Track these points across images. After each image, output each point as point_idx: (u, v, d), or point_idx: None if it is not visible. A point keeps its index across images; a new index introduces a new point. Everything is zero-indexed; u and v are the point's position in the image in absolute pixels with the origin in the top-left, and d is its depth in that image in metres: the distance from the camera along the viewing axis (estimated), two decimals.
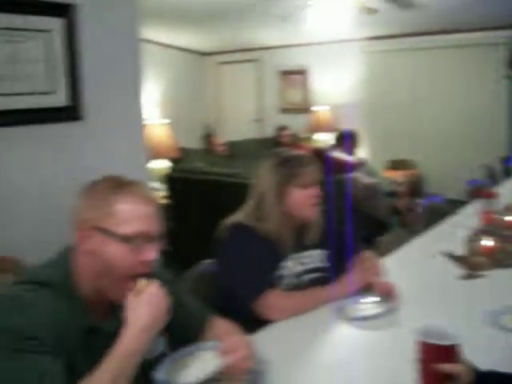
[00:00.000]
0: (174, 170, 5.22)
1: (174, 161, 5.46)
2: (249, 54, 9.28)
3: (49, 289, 1.40)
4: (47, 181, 2.64)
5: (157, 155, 5.10)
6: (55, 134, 2.68)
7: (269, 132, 8.69)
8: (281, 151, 2.35)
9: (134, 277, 1.43)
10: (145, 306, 1.40)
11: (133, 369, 1.36)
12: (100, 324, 1.48)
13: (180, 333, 1.65)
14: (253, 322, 1.91)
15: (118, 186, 1.48)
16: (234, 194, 4.55)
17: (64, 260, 1.49)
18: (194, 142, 7.63)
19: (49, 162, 2.65)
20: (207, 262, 2.39)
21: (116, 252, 1.42)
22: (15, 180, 2.54)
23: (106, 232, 1.42)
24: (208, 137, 7.79)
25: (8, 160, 2.52)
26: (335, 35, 7.70)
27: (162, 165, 5.29)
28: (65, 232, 2.62)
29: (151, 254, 1.44)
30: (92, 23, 2.78)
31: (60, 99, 2.68)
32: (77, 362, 1.37)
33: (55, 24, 2.66)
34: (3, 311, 1.36)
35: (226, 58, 9.58)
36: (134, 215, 1.44)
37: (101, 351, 1.36)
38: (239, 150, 7.30)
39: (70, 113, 2.71)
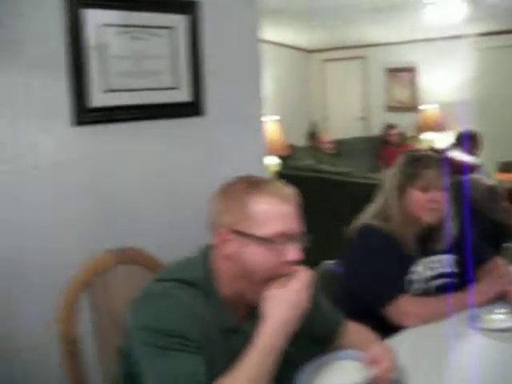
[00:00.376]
0: (284, 167, 5.21)
1: (283, 158, 5.45)
2: (355, 51, 9.14)
3: (192, 288, 1.40)
4: (169, 174, 2.68)
5: (267, 152, 5.09)
6: (178, 129, 2.71)
7: (374, 130, 8.53)
8: (413, 150, 2.26)
9: (277, 278, 1.39)
10: (284, 302, 1.35)
11: (271, 367, 1.32)
12: (239, 325, 1.46)
13: (311, 334, 1.61)
14: (381, 327, 1.84)
15: (253, 186, 1.44)
16: (345, 192, 4.52)
17: (204, 260, 1.47)
18: (298, 139, 7.60)
19: (171, 156, 2.69)
20: (328, 262, 2.34)
21: (257, 255, 1.38)
22: (140, 173, 2.60)
23: (244, 235, 1.39)
24: (313, 134, 7.74)
25: (134, 154, 2.58)
26: (445, 31, 7.43)
27: (272, 162, 5.29)
28: (190, 225, 2.69)
29: (294, 253, 1.40)
30: (213, 20, 2.78)
31: (183, 95, 2.70)
32: (216, 362, 1.35)
33: (179, 21, 2.68)
34: (153, 309, 1.37)
35: (331, 55, 9.49)
36: (272, 215, 1.40)
37: (239, 352, 1.34)
38: (346, 148, 7.19)
39: (192, 108, 2.73)
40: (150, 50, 2.60)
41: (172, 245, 2.36)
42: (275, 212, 1.40)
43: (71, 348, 1.65)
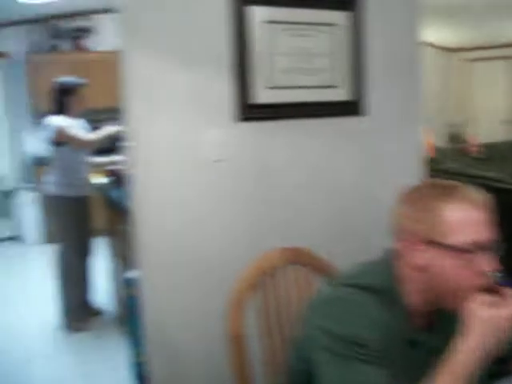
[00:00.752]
0: (431, 169, 5.00)
1: (427, 160, 5.25)
2: (503, 50, 8.66)
3: (375, 295, 1.33)
4: (329, 173, 2.65)
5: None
6: (338, 128, 2.67)
7: None
8: None
9: (472, 289, 1.29)
10: (493, 324, 1.23)
11: None
12: (420, 336, 1.37)
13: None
14: None
15: (445, 192, 1.34)
16: (498, 199, 4.24)
17: (387, 266, 1.40)
18: (437, 141, 7.31)
19: (331, 155, 2.66)
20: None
21: (448, 265, 1.28)
22: (300, 171, 2.59)
23: (435, 245, 1.29)
24: (456, 136, 7.42)
25: (295, 152, 2.57)
26: None
27: None
28: (349, 226, 2.65)
29: (489, 263, 1.30)
30: (375, 18, 2.70)
31: (343, 94, 2.65)
32: (396, 375, 1.28)
33: (342, 18, 2.63)
34: (335, 314, 1.32)
35: (476, 54, 9.07)
36: (466, 223, 1.29)
37: (419, 366, 1.26)
38: (495, 153, 6.78)
39: (351, 108, 2.68)
40: (312, 48, 2.57)
41: (331, 245, 2.32)
42: (469, 220, 1.30)
43: (238, 346, 1.65)
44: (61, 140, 3.99)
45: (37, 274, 5.69)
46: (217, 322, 2.41)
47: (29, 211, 6.95)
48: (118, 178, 4.02)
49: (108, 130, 4.20)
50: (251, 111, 2.43)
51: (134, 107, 2.26)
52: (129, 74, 2.25)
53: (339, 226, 2.65)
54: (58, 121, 4.00)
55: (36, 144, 7.13)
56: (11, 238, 7.31)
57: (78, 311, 4.24)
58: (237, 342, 1.64)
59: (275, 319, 1.75)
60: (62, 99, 4.11)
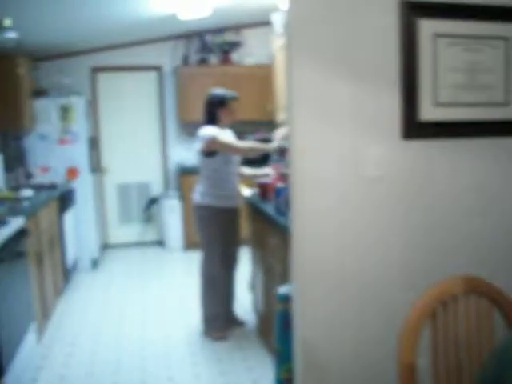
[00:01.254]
0: None
1: None
2: None
3: None
4: (492, 198, 2.49)
5: None
6: (506, 148, 2.50)
7: None
8: None
9: None
10: None
11: None
12: None
13: None
14: None
15: None
16: None
17: None
18: None
19: (496, 177, 2.49)
20: None
21: None
22: (466, 193, 2.46)
23: None
24: None
25: (457, 173, 2.44)
26: None
27: None
28: None
29: None
30: None
31: None
32: None
33: None
34: None
35: None
36: None
37: None
38: None
39: None
40: (482, 63, 2.44)
41: (501, 273, 2.17)
42: None
43: (409, 375, 1.55)
44: (213, 149, 4.05)
45: (178, 279, 5.88)
46: (373, 347, 2.34)
47: (172, 218, 7.21)
48: (266, 190, 4.04)
49: (265, 145, 4.20)
50: (417, 129, 2.34)
51: (298, 121, 2.25)
52: (293, 87, 2.24)
53: (510, 254, 2.48)
54: (210, 130, 4.09)
55: (182, 153, 7.41)
56: (156, 243, 7.63)
57: (219, 320, 4.28)
58: (408, 371, 1.55)
59: (452, 350, 1.64)
60: (214, 110, 4.19)
